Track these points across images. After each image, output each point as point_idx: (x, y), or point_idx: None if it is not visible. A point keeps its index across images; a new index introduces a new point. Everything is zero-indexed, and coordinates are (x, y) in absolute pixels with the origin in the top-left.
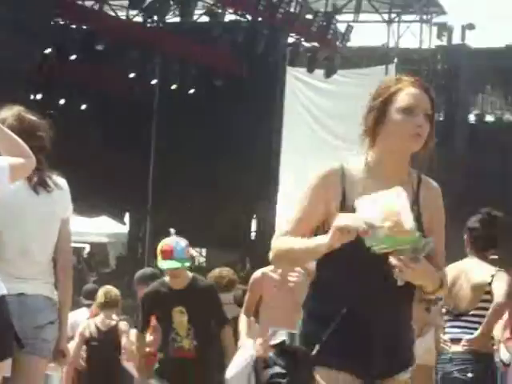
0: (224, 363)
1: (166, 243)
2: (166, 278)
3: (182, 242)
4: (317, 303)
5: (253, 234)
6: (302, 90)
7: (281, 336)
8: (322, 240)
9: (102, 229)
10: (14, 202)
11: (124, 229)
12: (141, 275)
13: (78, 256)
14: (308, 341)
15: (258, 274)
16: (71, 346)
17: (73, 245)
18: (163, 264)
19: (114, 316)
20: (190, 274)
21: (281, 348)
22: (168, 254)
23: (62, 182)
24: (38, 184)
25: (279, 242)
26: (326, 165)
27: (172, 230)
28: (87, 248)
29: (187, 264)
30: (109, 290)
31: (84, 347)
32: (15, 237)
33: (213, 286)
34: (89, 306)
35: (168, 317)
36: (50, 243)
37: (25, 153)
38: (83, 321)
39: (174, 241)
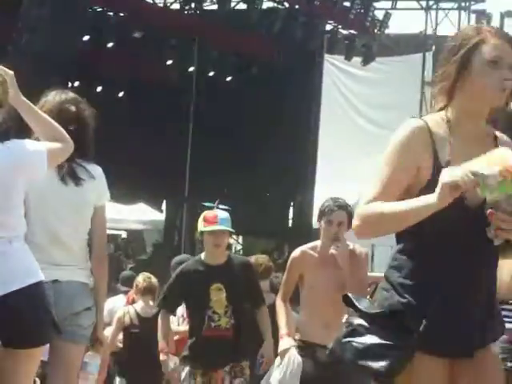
0: (259, 344)
1: (208, 212)
2: (202, 255)
3: (226, 213)
4: (412, 272)
5: (290, 222)
6: (339, 77)
7: (365, 301)
8: (428, 200)
9: (139, 216)
10: (43, 188)
11: (161, 216)
12: (178, 261)
13: (115, 243)
14: (407, 314)
15: (296, 252)
16: (108, 332)
17: (109, 232)
18: (207, 228)
19: (151, 303)
20: (227, 252)
21: (375, 316)
22: (212, 220)
23: (96, 170)
24: (67, 174)
25: (368, 208)
26: (408, 122)
27: (213, 204)
28: (124, 235)
29: (232, 230)
30: (148, 276)
31: (121, 334)
32: (46, 223)
33: (250, 262)
34: (126, 292)
35: (205, 295)
36: (81, 230)
37: (62, 137)
38: (121, 307)
39: (217, 211)
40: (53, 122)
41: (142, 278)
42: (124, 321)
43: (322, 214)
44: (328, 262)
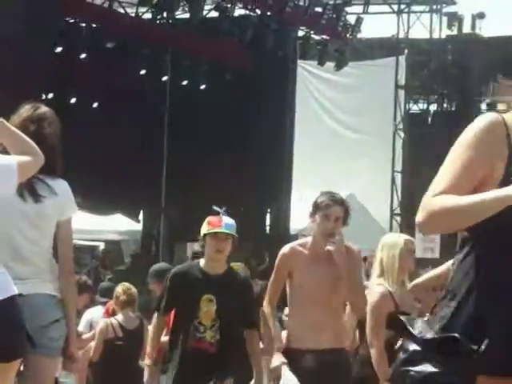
0: (245, 368)
1: (213, 216)
2: (201, 262)
3: (231, 220)
4: (476, 285)
5: (267, 228)
6: (313, 82)
7: (419, 324)
8: (501, 193)
9: (117, 226)
10: (3, 204)
11: (138, 226)
12: (157, 269)
13: (93, 254)
14: (464, 339)
15: (285, 248)
16: (87, 341)
17: (87, 243)
18: (211, 230)
19: (132, 315)
20: (227, 264)
21: (439, 341)
22: (216, 224)
23: (59, 186)
24: (26, 190)
25: (436, 200)
26: (484, 115)
27: (220, 209)
28: (102, 246)
29: (236, 235)
30: (128, 287)
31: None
32: (7, 239)
33: (249, 281)
34: (104, 303)
35: (195, 303)
36: (44, 244)
37: (32, 151)
38: (101, 319)
39: (222, 216)
40: (22, 135)
41: (121, 290)
42: (107, 332)
43: (317, 208)
44: (320, 259)
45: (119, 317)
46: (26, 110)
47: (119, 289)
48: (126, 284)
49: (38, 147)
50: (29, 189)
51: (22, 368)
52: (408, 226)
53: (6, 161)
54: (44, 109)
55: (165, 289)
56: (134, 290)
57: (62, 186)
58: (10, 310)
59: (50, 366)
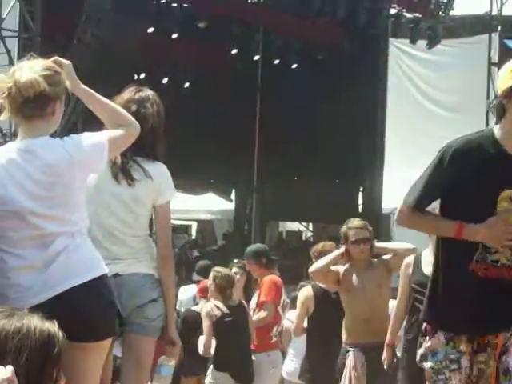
0: None
1: None
2: (496, 129)
3: None
4: None
5: (360, 207)
6: (405, 61)
7: None
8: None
9: (209, 206)
10: (97, 184)
11: (230, 206)
12: (254, 250)
13: (186, 233)
14: None
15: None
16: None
17: (179, 222)
18: None
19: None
20: None
21: None
22: None
23: (156, 169)
24: (121, 172)
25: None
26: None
27: None
28: (194, 225)
29: None
30: (226, 273)
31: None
32: (99, 219)
33: None
34: (198, 282)
35: (490, 202)
36: (137, 227)
37: (127, 122)
38: (205, 305)
39: None
40: (116, 107)
41: (219, 275)
42: (214, 314)
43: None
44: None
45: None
46: (128, 92)
47: (217, 276)
48: (223, 270)
49: (132, 118)
50: (123, 172)
51: (118, 352)
52: None
53: (94, 139)
54: (147, 91)
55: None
56: (231, 274)
57: (158, 169)
58: (99, 289)
59: (147, 345)
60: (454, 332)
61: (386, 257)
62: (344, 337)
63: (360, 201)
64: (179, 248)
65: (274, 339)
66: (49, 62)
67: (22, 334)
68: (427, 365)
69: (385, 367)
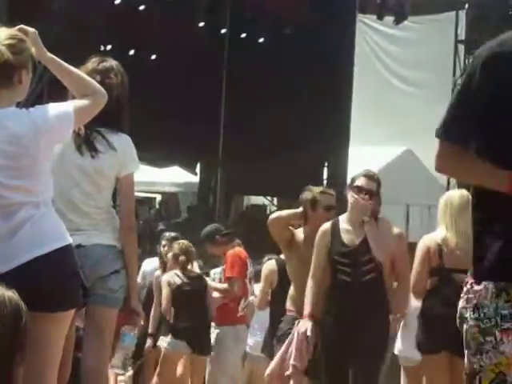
0: None
1: None
2: None
3: None
4: None
5: (324, 182)
6: (372, 37)
7: None
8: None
9: (174, 179)
10: (61, 155)
11: (195, 178)
12: (206, 233)
13: (150, 206)
14: None
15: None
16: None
17: (144, 195)
18: None
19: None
20: None
21: None
22: None
23: (120, 141)
24: (84, 144)
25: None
26: None
27: None
28: (158, 198)
29: None
30: (186, 245)
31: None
32: (62, 190)
33: None
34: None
35: None
36: (99, 198)
37: (94, 90)
38: (166, 275)
39: None
40: (83, 75)
41: (179, 249)
42: (174, 282)
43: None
44: None
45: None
46: (92, 63)
47: (176, 247)
48: (184, 242)
49: (99, 86)
50: (87, 143)
51: (81, 324)
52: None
53: (60, 109)
54: (111, 61)
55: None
56: (191, 247)
57: (122, 141)
58: (63, 260)
59: (110, 316)
60: (508, 279)
61: None
62: (290, 305)
63: (325, 176)
64: (143, 221)
65: (241, 313)
66: (13, 31)
67: None
68: (470, 323)
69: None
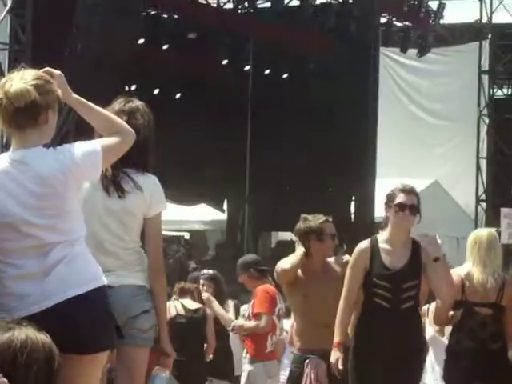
0: None
1: None
2: None
3: None
4: None
5: (352, 216)
6: (395, 69)
7: None
8: None
9: (201, 216)
10: (89, 196)
11: (223, 216)
12: (242, 261)
13: (178, 244)
14: None
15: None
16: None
17: (172, 233)
18: None
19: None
20: None
21: None
22: None
23: (146, 181)
24: (111, 184)
25: None
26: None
27: None
28: (187, 236)
29: None
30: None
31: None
32: (91, 231)
33: None
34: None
35: None
36: (127, 240)
37: (121, 129)
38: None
39: None
40: (110, 115)
41: (183, 282)
42: (170, 312)
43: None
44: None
45: (184, 300)
46: (118, 103)
47: (181, 282)
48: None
49: (126, 125)
50: (114, 184)
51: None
52: (493, 212)
53: (88, 148)
54: (137, 102)
55: None
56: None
57: (149, 181)
58: (98, 301)
59: (140, 356)
60: None
61: (344, 257)
62: (297, 343)
63: (352, 210)
64: (173, 259)
65: (270, 349)
66: (39, 72)
67: (29, 348)
68: None
69: (337, 371)
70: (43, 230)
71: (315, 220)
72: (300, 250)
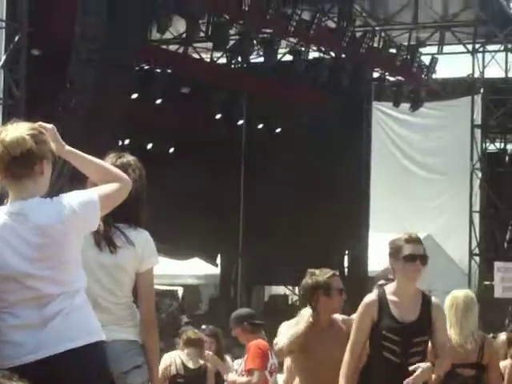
0: None
1: None
2: None
3: None
4: None
5: (345, 270)
6: (388, 124)
7: None
8: None
9: (195, 271)
10: (81, 250)
11: (216, 270)
12: (236, 315)
13: (171, 298)
14: None
15: (372, 296)
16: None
17: (166, 288)
18: None
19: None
20: None
21: None
22: None
23: (138, 236)
24: (103, 239)
25: None
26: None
27: None
28: (180, 290)
29: None
30: (196, 332)
31: None
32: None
33: None
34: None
35: None
36: (120, 295)
37: (117, 178)
38: (165, 356)
39: None
40: (104, 164)
41: (190, 332)
42: (170, 370)
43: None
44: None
45: (182, 355)
46: (110, 158)
47: (188, 332)
48: (196, 331)
49: (122, 173)
50: (106, 238)
51: None
52: (487, 266)
53: (85, 197)
54: (129, 157)
55: None
56: (200, 334)
57: (141, 236)
58: (94, 356)
59: None
60: None
61: (350, 317)
62: None
63: (345, 264)
64: (166, 314)
65: None
66: (33, 124)
67: None
68: None
69: None
70: (42, 282)
71: (322, 274)
72: (304, 315)
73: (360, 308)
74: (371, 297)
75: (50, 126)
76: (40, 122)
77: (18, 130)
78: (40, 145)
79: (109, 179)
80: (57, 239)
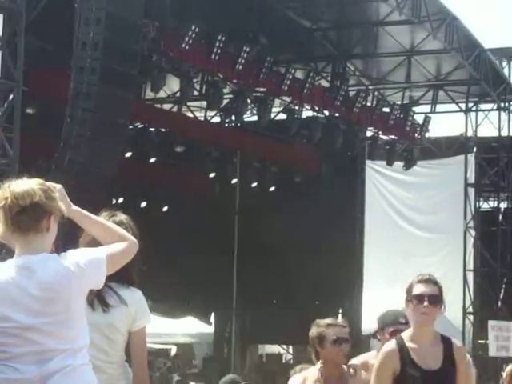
0: None
1: None
2: None
3: None
4: None
5: None
6: (382, 183)
7: None
8: None
9: (188, 329)
10: None
11: (210, 329)
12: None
13: (165, 357)
14: None
15: (392, 345)
16: None
17: (159, 346)
18: None
19: None
20: None
21: None
22: None
23: (131, 296)
24: (96, 299)
25: None
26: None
27: None
28: (173, 349)
29: None
30: None
31: None
32: None
33: None
34: None
35: None
36: (112, 354)
37: (123, 238)
38: None
39: None
40: (109, 224)
41: None
42: None
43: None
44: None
45: None
46: (103, 217)
47: None
48: None
49: (127, 233)
50: (98, 298)
51: None
52: (481, 325)
53: (93, 255)
54: (121, 216)
55: None
56: None
57: (133, 295)
58: None
59: None
60: None
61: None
62: None
63: None
64: (160, 373)
65: None
66: (42, 180)
67: None
68: None
69: None
70: (45, 337)
71: (320, 324)
72: (314, 370)
73: (380, 358)
74: (391, 345)
75: (58, 185)
76: (49, 182)
77: (28, 183)
78: (49, 200)
79: (114, 239)
80: (63, 295)
